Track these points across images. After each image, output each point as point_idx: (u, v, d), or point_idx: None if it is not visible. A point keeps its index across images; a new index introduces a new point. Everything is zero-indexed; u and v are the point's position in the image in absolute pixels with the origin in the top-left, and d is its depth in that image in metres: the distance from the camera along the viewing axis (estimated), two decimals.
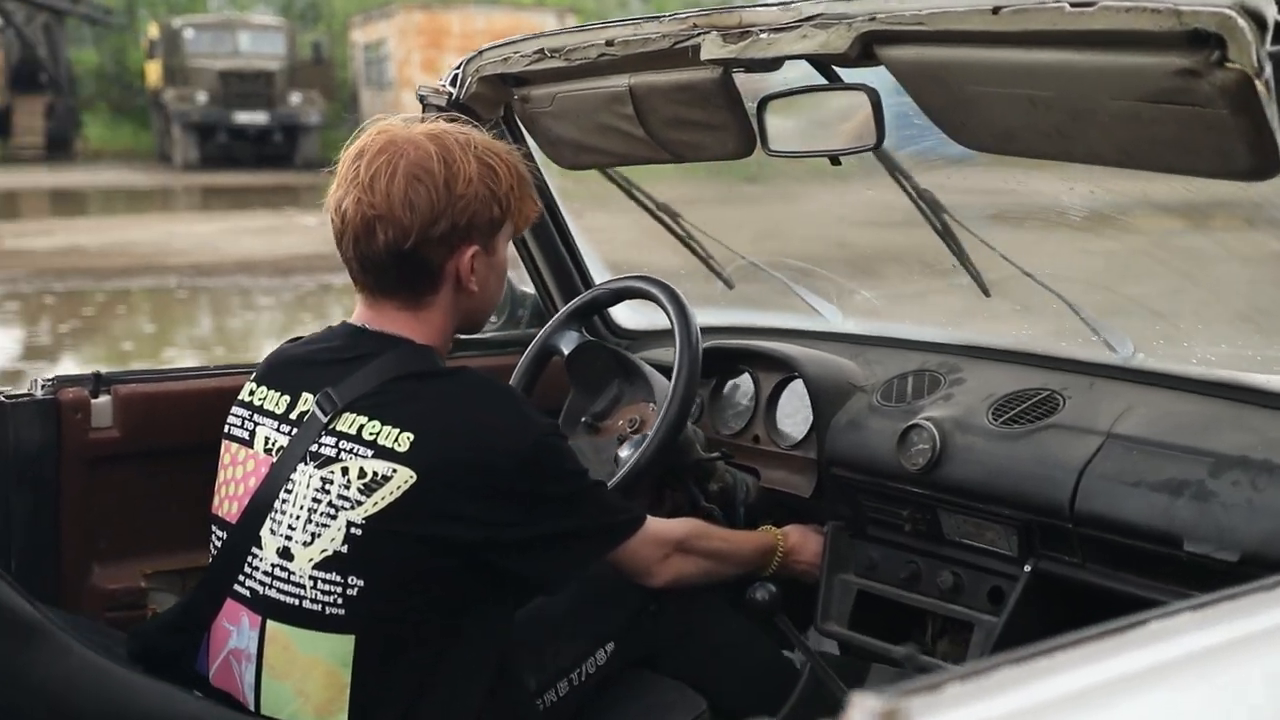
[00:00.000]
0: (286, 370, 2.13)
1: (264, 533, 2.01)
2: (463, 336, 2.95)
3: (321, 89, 27.01)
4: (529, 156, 2.79)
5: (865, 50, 1.99)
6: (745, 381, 2.78)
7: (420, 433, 1.97)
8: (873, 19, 1.95)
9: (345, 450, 1.99)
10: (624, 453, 2.43)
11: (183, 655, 2.07)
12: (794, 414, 2.67)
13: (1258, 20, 1.52)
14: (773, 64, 2.16)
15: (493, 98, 2.65)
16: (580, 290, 2.97)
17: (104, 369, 2.55)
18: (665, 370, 2.64)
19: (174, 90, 26.04)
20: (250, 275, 13.85)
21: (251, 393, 2.13)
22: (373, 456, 1.96)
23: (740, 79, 2.27)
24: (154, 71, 27.51)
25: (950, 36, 1.87)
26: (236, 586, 2.03)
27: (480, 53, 2.62)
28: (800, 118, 2.35)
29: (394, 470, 1.95)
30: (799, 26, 2.07)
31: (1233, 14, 1.52)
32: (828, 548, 2.56)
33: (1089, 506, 2.16)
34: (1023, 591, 2.28)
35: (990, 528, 2.33)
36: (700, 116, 2.32)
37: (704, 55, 2.19)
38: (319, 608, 1.96)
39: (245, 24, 27.97)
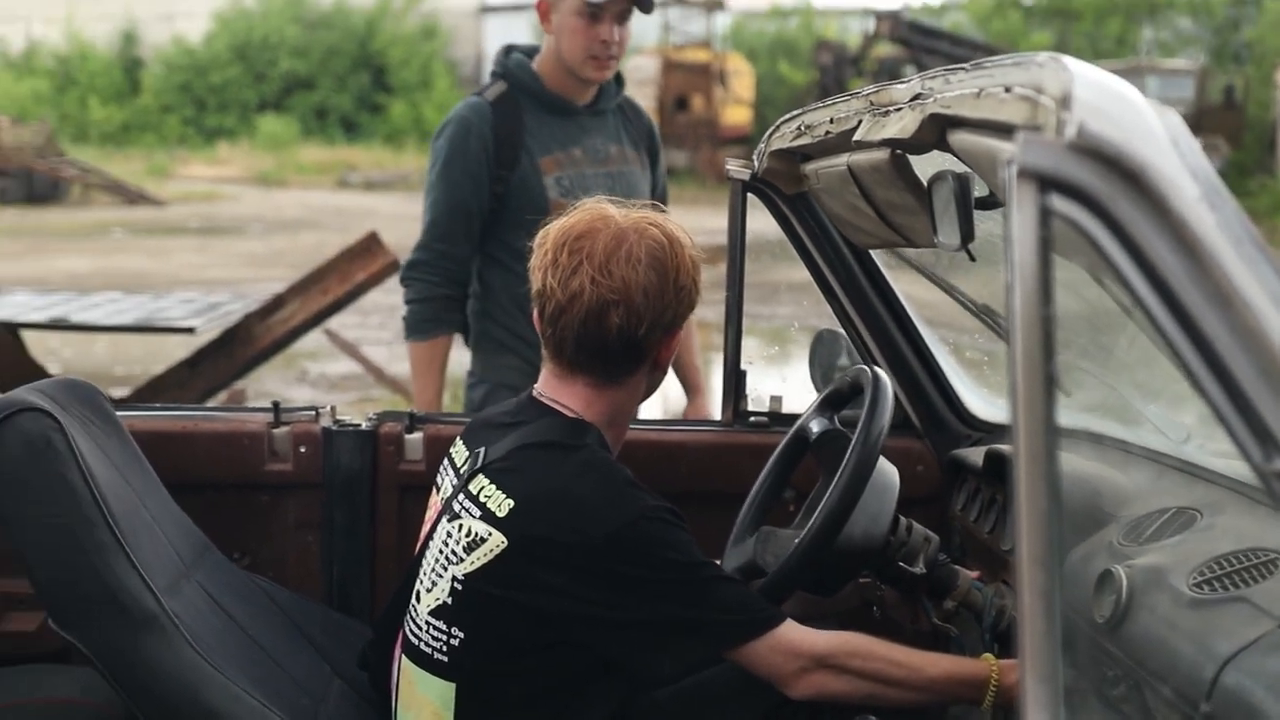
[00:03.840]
0: (477, 429, 2.31)
1: (420, 573, 2.21)
2: None
3: (1228, 133, 25.74)
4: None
5: (941, 136, 1.75)
6: None
7: (520, 500, 2.06)
8: (934, 99, 1.72)
9: (465, 509, 2.12)
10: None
11: (386, 669, 2.32)
12: None
13: None
14: (910, 146, 1.94)
15: (785, 172, 2.61)
16: (911, 366, 2.81)
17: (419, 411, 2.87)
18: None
19: None
20: None
21: (454, 445, 2.33)
22: (479, 518, 2.09)
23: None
24: None
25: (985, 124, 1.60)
26: (404, 618, 2.25)
27: (779, 125, 2.58)
28: None
29: (490, 533, 2.06)
30: (901, 108, 1.86)
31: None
32: None
33: (1221, 710, 1.69)
34: None
35: (1175, 711, 1.89)
36: (898, 200, 2.14)
37: (855, 136, 2.03)
38: (430, 651, 2.13)
39: (1154, 69, 27.38)
